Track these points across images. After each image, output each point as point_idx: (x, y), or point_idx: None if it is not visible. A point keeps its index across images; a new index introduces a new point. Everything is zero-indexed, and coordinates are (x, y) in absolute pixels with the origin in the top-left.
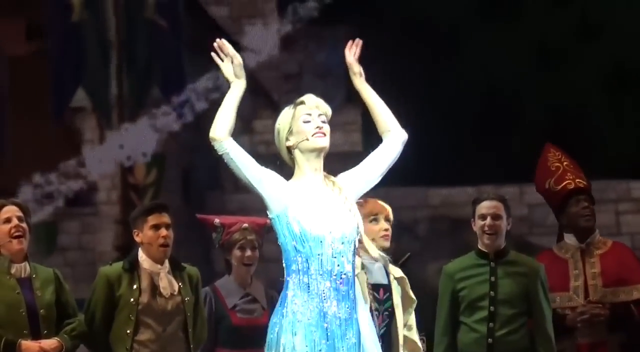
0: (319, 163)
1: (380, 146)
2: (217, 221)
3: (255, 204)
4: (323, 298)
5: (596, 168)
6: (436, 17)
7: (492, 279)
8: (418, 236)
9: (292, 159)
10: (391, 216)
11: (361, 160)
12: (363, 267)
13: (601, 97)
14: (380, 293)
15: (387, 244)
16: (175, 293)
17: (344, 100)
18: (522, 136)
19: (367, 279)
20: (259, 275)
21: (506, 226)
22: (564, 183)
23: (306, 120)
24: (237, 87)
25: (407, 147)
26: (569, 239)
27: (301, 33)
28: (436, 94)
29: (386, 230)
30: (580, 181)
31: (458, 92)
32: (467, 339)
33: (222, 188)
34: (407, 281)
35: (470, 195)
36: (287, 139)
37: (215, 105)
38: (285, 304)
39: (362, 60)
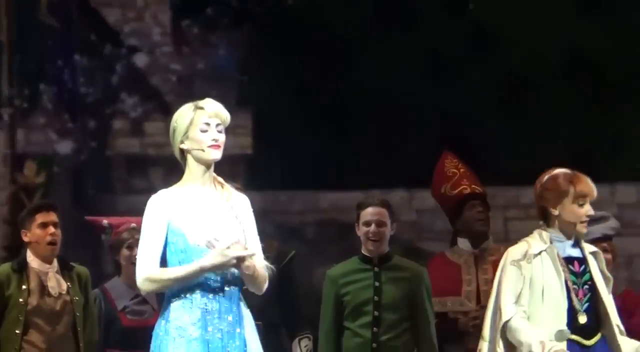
0: (210, 168)
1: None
2: (105, 222)
3: (144, 206)
4: (205, 311)
5: (486, 175)
6: (332, 25)
7: (376, 284)
8: (306, 239)
9: (184, 159)
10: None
11: (251, 164)
12: (552, 241)
13: (492, 106)
14: (575, 266)
15: (586, 230)
16: (64, 293)
17: (235, 103)
18: (413, 143)
19: (558, 252)
20: None
21: (390, 231)
22: (459, 188)
23: (204, 130)
24: None
25: (296, 150)
26: (463, 244)
27: (194, 37)
28: (329, 100)
29: (589, 216)
30: (476, 187)
31: (351, 99)
32: (351, 343)
33: (112, 190)
34: (602, 256)
35: (359, 199)
36: (182, 142)
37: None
38: (168, 318)
39: (254, 64)
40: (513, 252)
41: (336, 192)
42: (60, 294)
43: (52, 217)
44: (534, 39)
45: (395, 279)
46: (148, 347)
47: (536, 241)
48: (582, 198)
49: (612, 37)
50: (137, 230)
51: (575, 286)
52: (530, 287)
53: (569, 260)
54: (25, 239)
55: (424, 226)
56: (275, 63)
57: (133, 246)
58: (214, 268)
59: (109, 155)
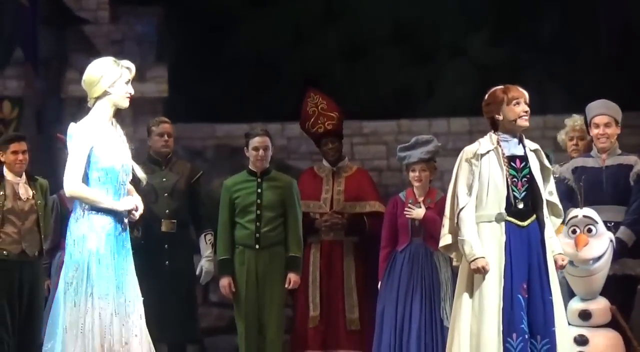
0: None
1: None
2: None
3: None
4: (115, 214)
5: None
6: (221, 4)
7: (259, 190)
8: (207, 159)
9: (96, 100)
10: (528, 100)
11: (167, 103)
12: (499, 142)
13: (340, 61)
14: (517, 163)
15: (527, 124)
16: (30, 198)
17: (155, 59)
18: (283, 88)
19: (503, 151)
20: None
21: (270, 153)
22: (316, 127)
23: (127, 83)
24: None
25: (198, 94)
26: (325, 163)
27: (124, 10)
28: (223, 58)
29: (526, 112)
30: (330, 123)
31: (238, 56)
32: (241, 234)
33: (63, 121)
34: (542, 152)
35: (245, 129)
36: (109, 87)
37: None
38: (89, 218)
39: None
40: (467, 151)
41: (228, 124)
42: (27, 198)
43: (22, 146)
44: (369, 14)
45: (272, 187)
46: None
47: (486, 142)
48: (516, 99)
49: (424, 13)
50: None
51: (515, 179)
52: (479, 180)
53: (512, 158)
54: (2, 159)
55: (292, 149)
56: (182, 30)
57: None
58: (120, 209)
59: (63, 97)
